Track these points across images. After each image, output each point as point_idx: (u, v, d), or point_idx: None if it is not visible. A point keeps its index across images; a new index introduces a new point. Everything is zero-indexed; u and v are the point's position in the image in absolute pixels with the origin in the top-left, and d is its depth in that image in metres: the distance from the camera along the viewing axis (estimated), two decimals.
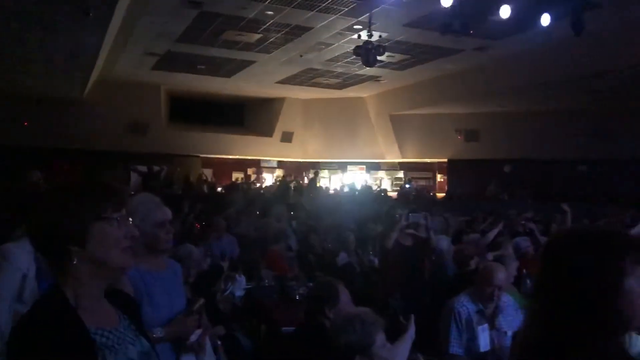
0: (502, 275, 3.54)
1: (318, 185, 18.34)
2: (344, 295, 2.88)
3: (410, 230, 5.41)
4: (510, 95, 14.88)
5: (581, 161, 17.14)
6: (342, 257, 6.53)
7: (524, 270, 4.97)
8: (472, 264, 4.82)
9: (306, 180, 20.10)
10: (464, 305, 3.52)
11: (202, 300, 2.43)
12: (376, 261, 6.52)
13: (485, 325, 3.42)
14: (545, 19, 8.94)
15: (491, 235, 6.49)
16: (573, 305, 1.25)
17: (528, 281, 4.76)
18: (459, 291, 3.66)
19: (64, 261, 1.39)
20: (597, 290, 1.24)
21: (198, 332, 2.31)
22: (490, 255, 5.20)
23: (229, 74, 15.80)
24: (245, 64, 14.71)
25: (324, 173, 21.04)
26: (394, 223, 5.37)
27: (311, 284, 4.97)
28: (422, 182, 20.27)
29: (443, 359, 3.44)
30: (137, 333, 1.51)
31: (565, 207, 7.10)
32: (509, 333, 3.46)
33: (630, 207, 11.19)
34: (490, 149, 17.99)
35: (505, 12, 8.69)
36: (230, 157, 19.89)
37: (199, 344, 2.27)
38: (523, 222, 7.99)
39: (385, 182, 20.56)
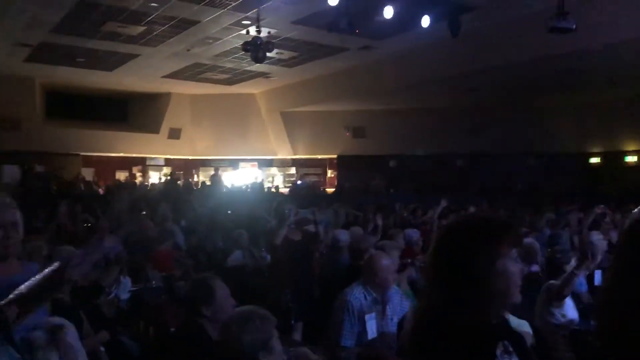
0: (386, 262, 3.65)
1: (219, 183, 17.88)
2: (221, 291, 2.81)
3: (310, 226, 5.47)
4: (395, 93, 15.52)
5: (459, 155, 18.29)
6: (236, 256, 6.45)
7: (410, 260, 5.18)
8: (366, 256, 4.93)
9: (196, 178, 19.63)
10: (356, 296, 3.57)
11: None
12: (268, 257, 6.51)
13: (373, 314, 3.51)
14: (425, 21, 9.43)
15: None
16: (459, 285, 1.40)
17: (414, 270, 4.99)
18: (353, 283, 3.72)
19: None
20: (477, 270, 1.39)
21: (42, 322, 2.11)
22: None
23: (110, 67, 15.02)
24: (128, 57, 14.06)
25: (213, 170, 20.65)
26: (283, 219, 5.39)
27: None
28: (314, 178, 20.57)
29: (334, 352, 3.48)
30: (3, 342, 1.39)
31: (443, 202, 7.49)
32: (395, 319, 3.58)
33: (500, 198, 12.11)
34: (377, 145, 18.66)
35: (388, 12, 9.05)
36: (114, 155, 18.89)
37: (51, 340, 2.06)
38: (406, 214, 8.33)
39: (277, 179, 20.62)
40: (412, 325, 1.50)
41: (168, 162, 20.23)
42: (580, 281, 4.66)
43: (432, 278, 1.50)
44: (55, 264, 2.04)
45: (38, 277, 1.96)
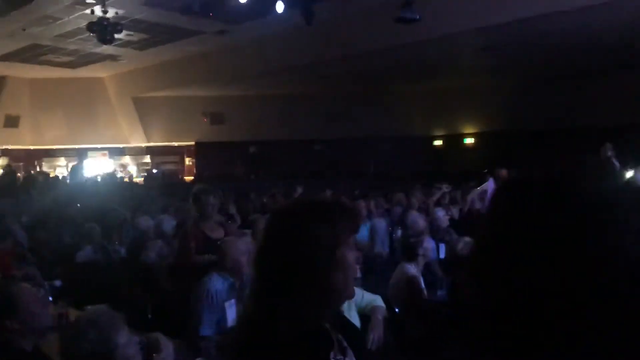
0: (239, 247, 3.62)
1: (52, 175, 16.48)
2: (28, 297, 2.50)
3: None
4: (253, 78, 15.45)
5: (318, 141, 18.75)
6: (87, 252, 6.03)
7: None
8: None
9: (39, 169, 18.01)
10: (214, 283, 3.52)
11: None
12: (123, 251, 6.18)
13: (233, 301, 3.49)
14: (280, 6, 9.46)
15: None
16: (287, 275, 1.21)
17: None
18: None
19: None
20: (315, 263, 1.20)
21: None
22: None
23: None
24: None
25: (61, 161, 19.09)
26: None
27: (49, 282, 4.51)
28: (171, 167, 19.87)
29: (194, 342, 3.40)
30: None
31: (299, 188, 7.62)
32: None
33: (357, 181, 12.66)
34: (236, 131, 18.50)
35: None
36: None
37: None
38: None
39: (131, 168, 19.58)
40: (233, 340, 1.28)
41: (6, 152, 18.28)
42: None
43: (258, 276, 1.27)
44: None
45: None
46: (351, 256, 1.25)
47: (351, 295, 1.29)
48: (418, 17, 9.05)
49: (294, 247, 1.21)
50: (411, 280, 4.36)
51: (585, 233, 0.68)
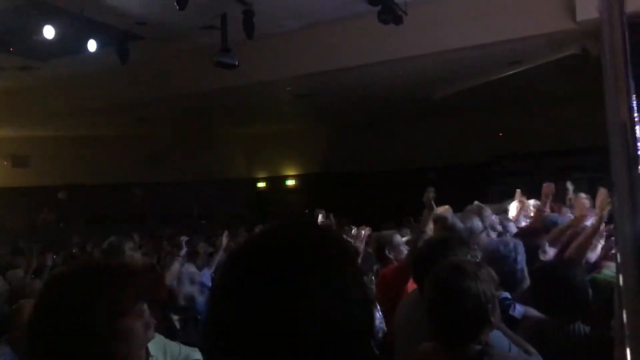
0: None
1: None
2: None
3: None
4: (62, 118, 14.37)
5: (136, 184, 17.89)
6: None
7: None
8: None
9: None
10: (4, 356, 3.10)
11: None
12: None
13: None
14: (92, 45, 9.02)
15: None
16: (62, 346, 1.12)
17: None
18: None
19: None
20: (86, 330, 1.12)
21: None
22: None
23: None
24: None
25: None
26: None
27: None
28: None
29: None
30: None
31: (113, 238, 7.18)
32: None
33: (183, 226, 12.33)
34: (43, 175, 16.93)
35: (49, 32, 8.35)
36: None
37: None
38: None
39: None
40: None
41: None
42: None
43: (34, 344, 1.16)
44: None
45: None
46: (138, 324, 1.20)
47: None
48: (237, 62, 9.26)
49: (68, 317, 1.13)
50: None
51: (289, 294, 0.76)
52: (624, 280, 0.60)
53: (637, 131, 0.66)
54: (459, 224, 3.59)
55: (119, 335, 1.13)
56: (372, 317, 0.87)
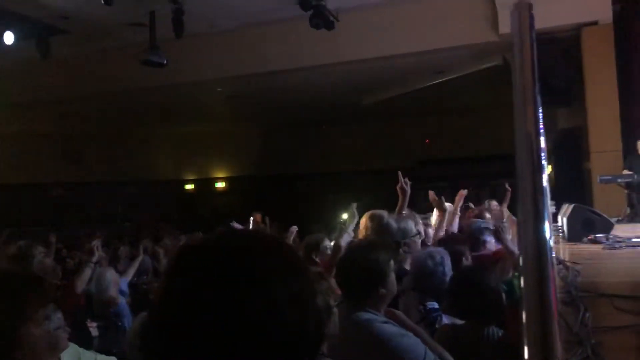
0: None
1: None
2: None
3: None
4: None
5: (54, 184, 17.00)
6: None
7: None
8: None
9: None
10: None
11: None
12: None
13: None
14: (9, 38, 8.56)
15: None
16: None
17: None
18: None
19: None
20: None
21: None
22: None
23: None
24: None
25: None
26: None
27: None
28: None
29: None
30: None
31: (22, 242, 6.78)
32: None
33: (102, 227, 11.85)
34: None
35: None
36: None
37: None
38: None
39: None
40: None
41: None
42: None
43: None
44: None
45: None
46: (39, 332, 1.16)
47: None
48: (165, 61, 9.05)
49: None
50: None
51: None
52: (525, 283, 0.63)
53: (542, 141, 0.69)
54: (394, 225, 3.62)
55: (18, 343, 1.08)
56: (322, 321, 0.88)
